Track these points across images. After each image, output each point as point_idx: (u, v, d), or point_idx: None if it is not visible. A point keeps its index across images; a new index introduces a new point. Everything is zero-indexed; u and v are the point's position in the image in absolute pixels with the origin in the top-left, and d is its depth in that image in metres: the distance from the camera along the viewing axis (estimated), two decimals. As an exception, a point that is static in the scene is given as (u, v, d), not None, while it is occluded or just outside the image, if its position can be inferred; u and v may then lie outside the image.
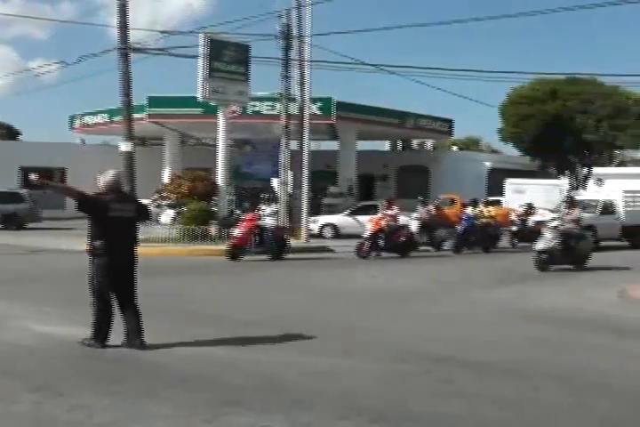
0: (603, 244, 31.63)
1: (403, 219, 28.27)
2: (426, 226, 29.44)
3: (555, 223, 22.42)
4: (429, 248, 29.06)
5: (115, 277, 10.21)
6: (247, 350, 10.09)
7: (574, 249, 22.14)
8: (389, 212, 26.86)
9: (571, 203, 23.23)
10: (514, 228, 32.97)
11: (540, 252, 21.72)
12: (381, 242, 25.87)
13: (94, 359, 9.64)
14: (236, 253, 23.96)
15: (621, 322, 13.52)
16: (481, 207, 29.80)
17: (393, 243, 26.02)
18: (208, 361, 9.49)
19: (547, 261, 21.60)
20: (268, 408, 7.42)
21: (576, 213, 22.83)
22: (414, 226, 28.84)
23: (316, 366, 9.30)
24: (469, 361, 9.71)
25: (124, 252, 10.30)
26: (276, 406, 7.52)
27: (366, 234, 26.17)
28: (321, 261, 25.12)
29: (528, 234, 31.73)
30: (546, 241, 21.70)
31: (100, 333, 10.18)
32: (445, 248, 28.87)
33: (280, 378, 8.68)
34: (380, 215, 27.42)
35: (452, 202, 44.39)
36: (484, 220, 29.05)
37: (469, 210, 29.69)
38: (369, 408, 7.48)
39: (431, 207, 30.95)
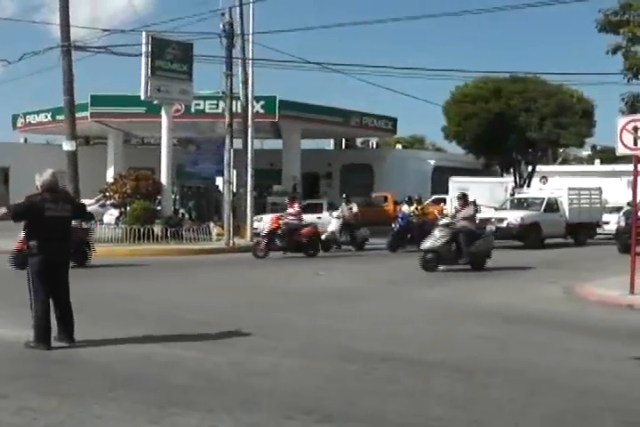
0: (548, 241, 32.56)
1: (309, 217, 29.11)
2: (348, 225, 29.12)
3: (444, 221, 21.60)
4: (351, 247, 29.07)
5: (50, 276, 10.22)
6: (191, 350, 10.05)
7: (466, 248, 21.08)
8: (291, 210, 26.65)
9: (464, 200, 22.24)
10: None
11: (427, 251, 21.03)
12: (279, 241, 25.47)
13: (38, 361, 9.55)
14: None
15: (567, 319, 13.67)
16: (414, 205, 29.42)
17: (294, 242, 25.55)
18: (152, 361, 9.46)
19: (432, 261, 20.84)
20: (214, 409, 7.39)
21: (468, 210, 21.89)
22: (335, 225, 28.82)
23: (260, 366, 9.29)
24: (415, 360, 9.76)
25: (60, 250, 10.38)
26: (222, 406, 7.50)
27: (263, 233, 26.12)
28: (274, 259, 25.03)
29: None
30: (433, 240, 20.96)
31: (43, 334, 10.10)
32: (381, 247, 28.53)
33: (224, 378, 8.67)
34: (278, 214, 27.46)
35: (385, 200, 44.71)
36: (427, 218, 28.68)
37: (405, 208, 29.58)
38: (314, 408, 7.47)
39: (354, 206, 30.44)
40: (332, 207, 34.24)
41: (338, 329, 12.00)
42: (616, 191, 47.98)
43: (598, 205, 36.31)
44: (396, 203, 43.20)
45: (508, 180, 49.59)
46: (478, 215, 32.59)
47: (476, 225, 22.32)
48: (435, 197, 47.55)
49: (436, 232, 21.08)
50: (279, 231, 25.43)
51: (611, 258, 25.42)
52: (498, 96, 48.99)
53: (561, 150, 58.99)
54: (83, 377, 8.70)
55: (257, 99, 34.38)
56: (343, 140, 62.93)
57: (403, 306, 14.93)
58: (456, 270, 20.98)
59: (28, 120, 50.94)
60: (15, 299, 13.16)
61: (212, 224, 30.65)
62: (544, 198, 33.92)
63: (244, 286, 18.12)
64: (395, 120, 52.74)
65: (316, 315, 13.55)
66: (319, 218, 34.93)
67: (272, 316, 13.34)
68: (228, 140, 29.58)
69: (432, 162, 56.95)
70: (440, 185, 49.87)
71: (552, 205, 33.48)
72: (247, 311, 13.82)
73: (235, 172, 32.33)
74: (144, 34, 29.66)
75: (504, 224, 31.17)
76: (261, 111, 37.73)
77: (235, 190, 32.83)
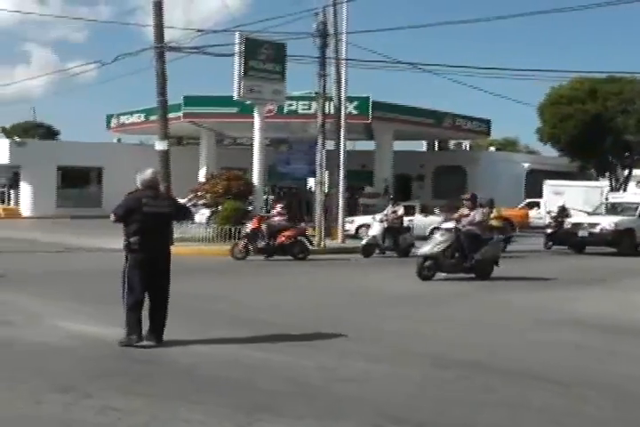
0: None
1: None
2: (391, 229, 26.39)
3: (448, 225, 20.04)
4: (394, 254, 26.48)
5: (149, 273, 10.16)
6: (277, 353, 9.84)
7: (470, 254, 19.33)
8: (274, 211, 25.94)
9: (472, 202, 20.34)
10: (548, 230, 32.28)
11: (425, 257, 18.99)
12: (261, 243, 24.30)
13: (124, 360, 9.46)
14: None
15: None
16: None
17: (277, 244, 24.20)
18: (238, 364, 9.29)
19: (430, 268, 18.89)
20: (301, 415, 7.19)
21: (477, 215, 20.03)
22: (377, 229, 26.36)
23: (350, 371, 9.04)
24: (509, 369, 9.40)
25: (159, 247, 10.31)
26: (309, 413, 7.29)
27: (242, 234, 25.48)
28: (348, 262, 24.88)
29: (563, 236, 31.31)
30: (433, 244, 19.12)
31: (135, 328, 10.07)
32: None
33: (311, 383, 8.44)
34: (259, 216, 26.41)
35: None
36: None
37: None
38: (406, 418, 7.22)
39: (400, 208, 27.85)
40: (426, 210, 33.89)
41: (426, 334, 11.70)
42: None
43: None
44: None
45: (604, 184, 48.59)
46: (569, 220, 32.07)
47: (483, 229, 20.53)
48: (528, 200, 46.77)
49: (437, 236, 19.62)
50: (260, 232, 24.29)
51: None
52: (594, 97, 47.99)
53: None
54: (168, 378, 8.57)
55: (350, 99, 34.12)
56: (436, 142, 62.42)
57: (489, 311, 14.54)
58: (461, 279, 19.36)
59: (121, 121, 51.63)
60: (106, 296, 13.17)
61: (302, 224, 30.44)
62: (639, 203, 32.55)
63: (332, 287, 17.88)
64: (488, 122, 52.18)
65: (401, 319, 13.25)
66: (411, 221, 34.63)
67: (358, 319, 13.05)
68: (320, 141, 29.41)
69: (526, 165, 56.09)
70: (534, 188, 49.13)
71: None
72: (332, 314, 13.56)
73: (327, 173, 32.14)
74: (237, 34, 29.73)
75: (597, 229, 30.08)
76: (354, 112, 37.51)
77: (326, 191, 32.61)
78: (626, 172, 50.30)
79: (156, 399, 7.59)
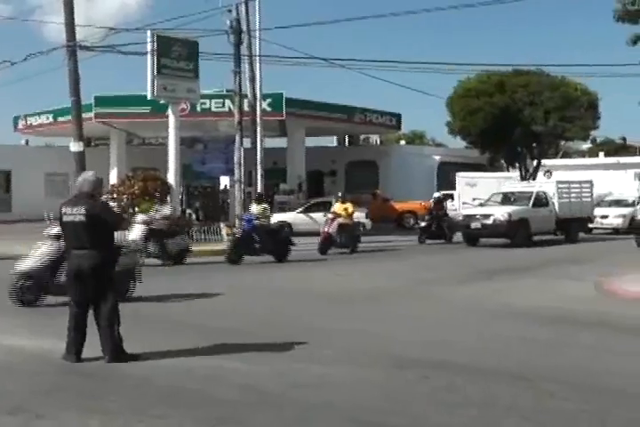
0: (537, 238, 31.08)
1: None
2: (157, 233, 22.25)
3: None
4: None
5: (81, 287, 9.59)
6: (232, 361, 9.50)
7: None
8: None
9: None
10: (422, 223, 31.67)
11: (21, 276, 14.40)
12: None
13: (71, 374, 9.00)
14: None
15: (607, 318, 13.17)
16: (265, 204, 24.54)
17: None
18: (192, 374, 8.92)
19: (30, 289, 14.39)
20: (267, 426, 6.91)
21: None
22: (137, 232, 21.10)
23: (309, 376, 8.77)
24: (468, 366, 9.26)
25: (84, 259, 9.50)
26: (277, 423, 7.04)
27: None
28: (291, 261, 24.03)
29: (438, 230, 30.95)
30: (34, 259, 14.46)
31: (72, 344, 9.55)
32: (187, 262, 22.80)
33: (272, 391, 8.13)
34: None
35: (374, 197, 44.01)
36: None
37: (253, 208, 24.10)
38: (380, 422, 7.02)
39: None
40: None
41: (377, 333, 11.48)
42: (622, 184, 47.64)
43: (589, 199, 34.56)
44: (385, 200, 42.94)
45: (515, 174, 49.09)
46: (462, 211, 31.84)
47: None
48: (442, 192, 47.01)
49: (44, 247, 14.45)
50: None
51: (624, 253, 24.98)
52: (502, 90, 48.45)
53: (562, 143, 58.38)
54: (121, 392, 8.14)
55: (264, 96, 33.85)
56: (346, 138, 62.39)
57: (428, 307, 14.44)
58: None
59: (29, 122, 50.47)
60: (44, 308, 12.73)
61: (222, 224, 30.07)
62: (532, 192, 32.20)
63: (266, 288, 17.56)
64: (399, 116, 52.22)
65: (349, 318, 13.03)
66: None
67: (305, 320, 12.81)
68: (238, 139, 29.10)
69: (437, 158, 56.37)
70: (446, 181, 49.38)
71: (541, 200, 31.89)
72: (278, 316, 13.27)
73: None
74: (149, 32, 29.22)
75: (490, 221, 29.62)
76: (268, 109, 37.19)
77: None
78: (535, 162, 50.93)
79: (114, 416, 7.21)
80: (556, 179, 35.38)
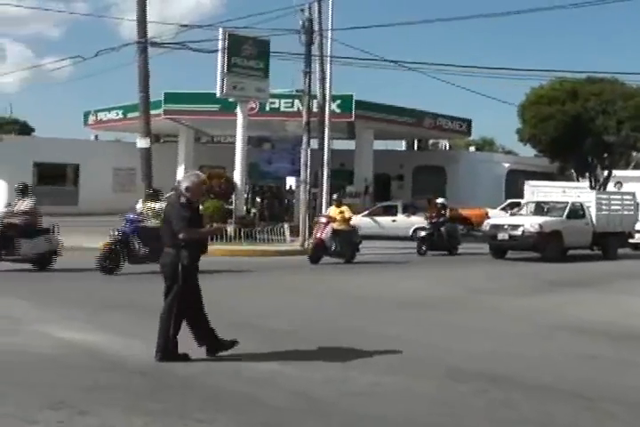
0: (572, 252, 29.10)
1: None
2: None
3: None
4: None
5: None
6: (283, 365, 9.29)
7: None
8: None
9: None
10: (422, 233, 29.11)
11: None
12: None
13: (118, 371, 8.85)
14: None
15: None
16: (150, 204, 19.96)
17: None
18: (242, 376, 8.73)
19: None
20: (314, 435, 6.69)
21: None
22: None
23: (361, 385, 8.51)
24: (526, 381, 8.90)
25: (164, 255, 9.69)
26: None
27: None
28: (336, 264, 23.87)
29: (439, 241, 28.34)
30: None
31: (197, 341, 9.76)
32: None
33: (322, 399, 7.89)
34: None
35: (429, 203, 43.25)
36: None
37: (139, 205, 20.73)
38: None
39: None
40: (408, 210, 33.54)
41: (432, 343, 11.16)
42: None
43: (632, 212, 31.69)
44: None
45: (585, 184, 48.34)
46: (488, 221, 29.65)
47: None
48: (510, 200, 46.44)
49: None
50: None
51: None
52: (574, 98, 47.72)
53: (634, 154, 57.37)
54: (166, 392, 7.98)
55: (333, 97, 33.67)
56: (415, 142, 62.02)
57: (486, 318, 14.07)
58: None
59: (99, 117, 50.96)
60: (88, 300, 12.65)
61: (285, 225, 29.92)
62: (567, 203, 29.39)
63: (325, 291, 17.35)
64: (469, 121, 51.80)
65: (402, 325, 12.74)
66: (394, 221, 34.24)
67: (359, 325, 12.52)
68: (305, 140, 28.91)
69: (506, 165, 55.74)
70: (513, 189, 48.79)
71: (577, 211, 29.00)
72: (333, 320, 13.03)
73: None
74: (220, 30, 29.28)
75: (519, 232, 27.34)
76: (337, 110, 37.01)
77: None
78: (605, 172, 50.10)
79: (158, 417, 7.04)
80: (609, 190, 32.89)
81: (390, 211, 35.26)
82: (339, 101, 37.81)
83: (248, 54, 29.56)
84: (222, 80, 29.04)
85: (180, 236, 9.31)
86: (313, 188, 31.01)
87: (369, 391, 8.20)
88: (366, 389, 8.31)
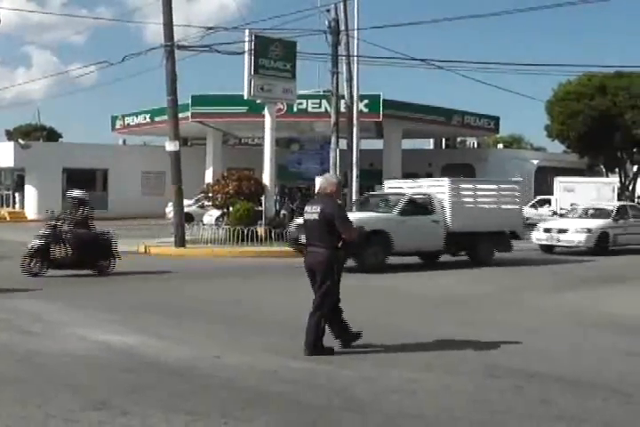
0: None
1: None
2: None
3: None
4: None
5: (310, 279, 10.14)
6: (322, 364, 9.31)
7: None
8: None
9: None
10: None
11: None
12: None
13: (159, 372, 8.91)
14: None
15: None
16: None
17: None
18: (281, 376, 8.75)
19: None
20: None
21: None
22: None
23: (397, 382, 8.52)
24: (564, 377, 8.85)
25: (311, 254, 10.08)
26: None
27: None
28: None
29: None
30: None
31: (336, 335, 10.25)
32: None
33: (360, 397, 7.89)
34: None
35: None
36: None
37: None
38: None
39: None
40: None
41: (470, 340, 11.14)
42: None
43: (515, 206, 25.04)
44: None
45: (615, 180, 48.14)
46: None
47: None
48: (539, 197, 46.31)
49: None
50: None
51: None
52: (603, 93, 47.44)
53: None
54: (206, 392, 8.01)
55: (360, 97, 33.69)
56: (443, 140, 61.97)
57: (526, 314, 14.03)
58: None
59: (126, 122, 51.30)
60: (122, 303, 12.70)
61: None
62: (403, 195, 23.31)
63: (356, 290, 17.34)
64: (497, 119, 51.79)
65: (440, 322, 12.74)
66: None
67: (393, 322, 12.57)
68: (333, 140, 29.00)
69: (535, 162, 55.61)
70: (543, 185, 48.69)
71: (419, 206, 23.05)
72: (366, 318, 13.01)
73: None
74: (247, 32, 29.34)
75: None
76: (365, 110, 37.06)
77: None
78: (635, 167, 49.83)
79: (199, 417, 7.07)
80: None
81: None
82: (366, 101, 37.91)
83: (275, 56, 29.60)
84: (249, 82, 29.09)
85: (351, 235, 9.88)
86: (343, 188, 31.01)
87: (406, 389, 8.21)
88: (404, 386, 8.33)
